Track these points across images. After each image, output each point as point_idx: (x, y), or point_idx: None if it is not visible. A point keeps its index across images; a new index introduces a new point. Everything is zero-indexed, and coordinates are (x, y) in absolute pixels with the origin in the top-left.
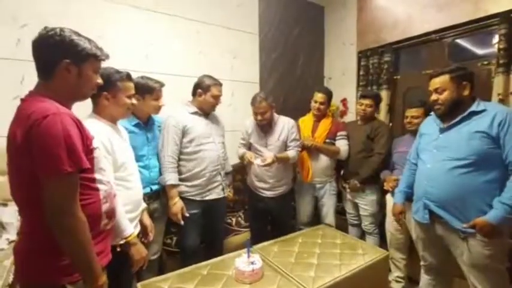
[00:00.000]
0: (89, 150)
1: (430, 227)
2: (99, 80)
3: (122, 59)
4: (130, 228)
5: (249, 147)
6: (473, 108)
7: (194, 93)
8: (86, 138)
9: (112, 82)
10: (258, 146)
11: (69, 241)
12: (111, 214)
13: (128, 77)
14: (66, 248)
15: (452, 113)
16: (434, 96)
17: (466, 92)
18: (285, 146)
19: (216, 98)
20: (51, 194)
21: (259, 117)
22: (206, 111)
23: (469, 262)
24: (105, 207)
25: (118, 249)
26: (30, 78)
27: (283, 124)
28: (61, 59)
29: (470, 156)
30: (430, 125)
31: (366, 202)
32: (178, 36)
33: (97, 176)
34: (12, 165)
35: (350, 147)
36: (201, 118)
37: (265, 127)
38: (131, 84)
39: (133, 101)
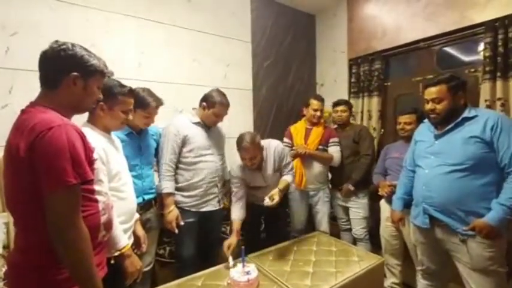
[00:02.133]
0: (91, 161)
1: (430, 232)
2: (101, 95)
3: (115, 68)
4: (124, 240)
5: (245, 186)
6: (466, 114)
7: (200, 104)
8: (88, 150)
9: (113, 94)
10: (256, 185)
11: (72, 254)
12: (109, 225)
13: (130, 92)
14: (68, 261)
15: (446, 120)
16: (431, 106)
17: (462, 101)
18: (279, 173)
19: (218, 117)
20: (55, 206)
21: (249, 163)
22: (207, 125)
23: (469, 265)
24: (103, 218)
25: (112, 262)
26: (19, 87)
27: (273, 152)
28: (69, 72)
29: (466, 161)
30: (425, 132)
31: (358, 205)
32: (172, 44)
33: (96, 187)
34: (13, 178)
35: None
36: (202, 129)
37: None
38: (131, 101)
39: (130, 116)
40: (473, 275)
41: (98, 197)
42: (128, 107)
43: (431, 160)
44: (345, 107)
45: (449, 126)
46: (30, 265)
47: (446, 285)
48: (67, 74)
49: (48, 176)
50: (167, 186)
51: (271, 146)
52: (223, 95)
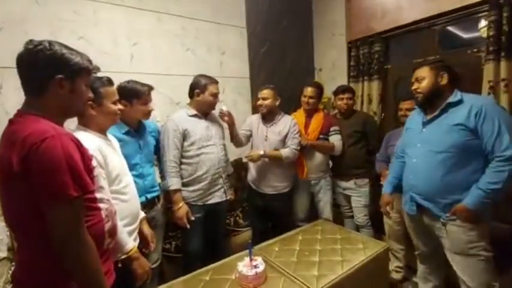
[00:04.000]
0: (90, 170)
1: (419, 218)
2: (91, 94)
3: (106, 61)
4: (130, 243)
5: (248, 137)
6: (450, 99)
7: (191, 95)
8: (86, 158)
9: (94, 89)
10: (257, 138)
11: (79, 267)
12: (114, 232)
13: (109, 81)
14: (76, 274)
15: (432, 104)
16: (415, 85)
17: (444, 82)
18: (283, 144)
19: (215, 96)
20: (58, 221)
21: (259, 102)
22: (206, 112)
23: (450, 249)
24: (107, 226)
25: (120, 266)
26: (10, 86)
27: (287, 121)
28: (53, 75)
29: (450, 149)
30: (415, 119)
31: (359, 194)
32: (164, 34)
33: (98, 195)
34: (8, 194)
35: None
36: (201, 121)
37: (267, 118)
38: (114, 89)
39: (120, 106)
40: (456, 258)
41: (101, 205)
42: (114, 97)
43: (417, 148)
44: (351, 94)
45: (435, 113)
46: (37, 280)
47: (444, 268)
48: (51, 77)
49: (48, 191)
50: (174, 183)
51: (289, 116)
52: (208, 76)
